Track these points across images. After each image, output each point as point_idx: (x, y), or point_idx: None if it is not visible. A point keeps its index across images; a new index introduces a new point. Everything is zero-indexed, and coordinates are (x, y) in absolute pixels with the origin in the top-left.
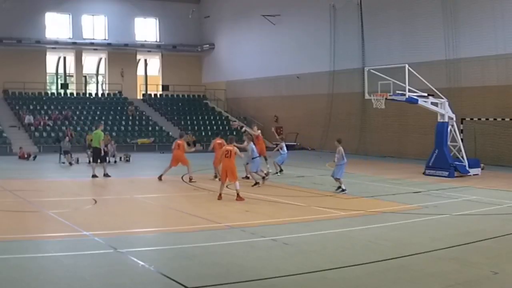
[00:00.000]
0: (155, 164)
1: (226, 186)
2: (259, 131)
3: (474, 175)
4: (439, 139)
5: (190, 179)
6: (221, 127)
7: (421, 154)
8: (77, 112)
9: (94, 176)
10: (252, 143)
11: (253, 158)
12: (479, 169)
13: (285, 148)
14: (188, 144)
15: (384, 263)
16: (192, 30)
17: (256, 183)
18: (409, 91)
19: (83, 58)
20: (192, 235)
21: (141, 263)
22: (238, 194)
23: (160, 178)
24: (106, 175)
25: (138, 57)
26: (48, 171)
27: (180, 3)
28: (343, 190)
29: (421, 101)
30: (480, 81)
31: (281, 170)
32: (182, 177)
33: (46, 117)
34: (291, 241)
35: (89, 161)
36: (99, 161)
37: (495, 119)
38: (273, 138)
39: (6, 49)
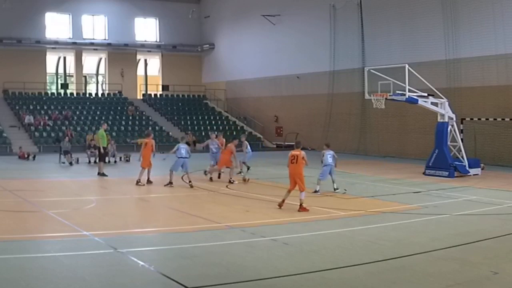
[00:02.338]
0: (155, 164)
1: (226, 186)
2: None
3: (474, 175)
4: (439, 139)
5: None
6: (221, 127)
7: (421, 154)
8: (77, 112)
9: (103, 174)
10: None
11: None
12: (479, 169)
13: (249, 148)
14: (188, 144)
15: (384, 263)
16: (192, 30)
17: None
18: (409, 91)
19: (83, 58)
20: (192, 235)
21: (141, 263)
22: (301, 204)
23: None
24: (102, 174)
25: (138, 57)
26: (48, 171)
27: (180, 3)
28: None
29: (421, 101)
30: (480, 81)
31: (248, 168)
32: (182, 177)
33: (46, 117)
34: (291, 241)
35: (89, 161)
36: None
37: (495, 119)
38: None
39: (6, 49)
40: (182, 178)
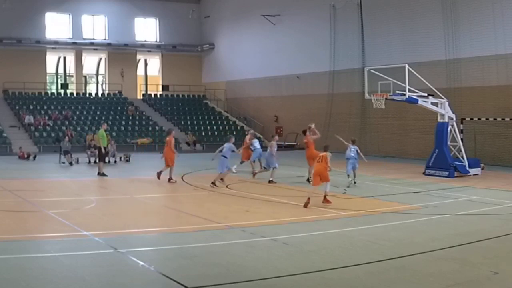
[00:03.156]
0: (155, 164)
1: (226, 186)
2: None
3: (474, 175)
4: (439, 139)
5: (169, 180)
6: (221, 127)
7: (421, 154)
8: (77, 112)
9: (103, 174)
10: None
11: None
12: (479, 169)
13: (256, 144)
14: (188, 144)
15: (384, 263)
16: (192, 30)
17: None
18: (409, 91)
19: (83, 58)
20: (192, 235)
21: (141, 263)
22: (325, 196)
23: (169, 179)
24: (102, 174)
25: (138, 57)
26: (48, 171)
27: (180, 3)
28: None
29: (421, 101)
30: (480, 81)
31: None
32: (182, 177)
33: (46, 117)
34: (291, 241)
35: (89, 161)
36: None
37: (495, 119)
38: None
39: (6, 49)
40: (182, 178)
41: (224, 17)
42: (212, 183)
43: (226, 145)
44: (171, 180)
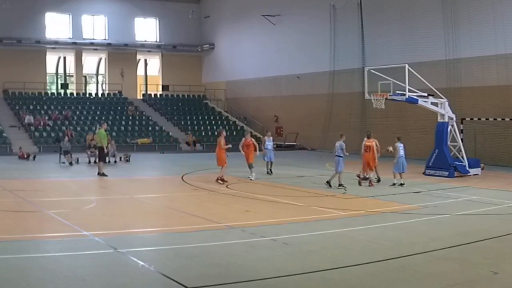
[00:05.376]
0: (155, 164)
1: (226, 186)
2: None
3: (474, 175)
4: (439, 139)
5: (217, 179)
6: (221, 127)
7: (421, 154)
8: (77, 112)
9: (103, 174)
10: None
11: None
12: (479, 169)
13: (266, 143)
14: (188, 144)
15: (384, 263)
16: (192, 30)
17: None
18: (409, 91)
19: (83, 58)
20: (192, 235)
21: (141, 263)
22: (370, 181)
23: (220, 179)
24: (102, 174)
25: (138, 57)
26: (48, 171)
27: (180, 3)
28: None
29: (421, 101)
30: (480, 81)
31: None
32: (182, 177)
33: (46, 117)
34: (291, 241)
35: (89, 161)
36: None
37: (495, 119)
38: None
39: (6, 49)
40: (182, 177)
41: (224, 17)
42: (327, 182)
43: (337, 144)
44: (219, 180)
